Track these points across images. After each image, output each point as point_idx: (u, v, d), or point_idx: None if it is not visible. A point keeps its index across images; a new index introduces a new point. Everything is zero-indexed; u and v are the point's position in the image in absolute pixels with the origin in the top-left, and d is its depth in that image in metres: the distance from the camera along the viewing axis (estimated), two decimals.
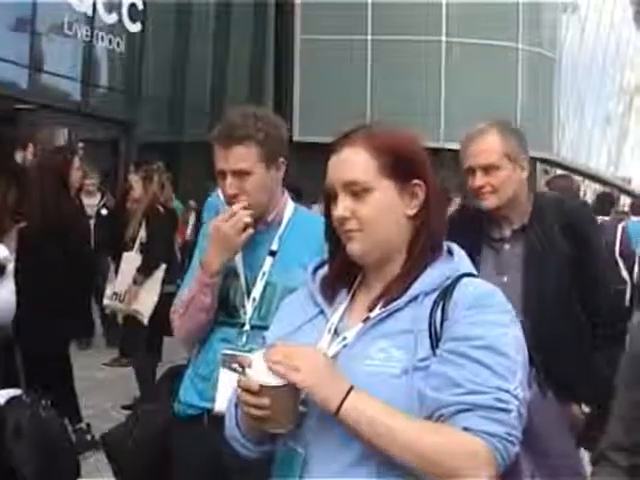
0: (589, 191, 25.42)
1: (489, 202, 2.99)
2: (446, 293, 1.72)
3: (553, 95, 23.43)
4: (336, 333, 1.77)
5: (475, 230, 3.03)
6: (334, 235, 1.85)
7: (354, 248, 1.77)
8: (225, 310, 2.77)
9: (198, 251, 2.88)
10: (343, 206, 1.76)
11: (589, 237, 3.08)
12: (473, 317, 1.67)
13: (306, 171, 13.37)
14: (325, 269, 1.92)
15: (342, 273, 1.87)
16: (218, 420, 2.49)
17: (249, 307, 2.73)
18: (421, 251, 1.79)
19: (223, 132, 2.67)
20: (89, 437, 5.44)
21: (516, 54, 21.73)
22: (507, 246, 3.04)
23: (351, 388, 1.63)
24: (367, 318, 1.76)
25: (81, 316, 5.34)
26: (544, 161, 22.40)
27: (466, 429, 1.58)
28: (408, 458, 1.59)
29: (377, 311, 1.76)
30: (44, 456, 2.66)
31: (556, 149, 23.99)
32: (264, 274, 2.74)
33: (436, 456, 1.58)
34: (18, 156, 6.33)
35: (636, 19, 32.89)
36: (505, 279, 2.93)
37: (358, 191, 1.76)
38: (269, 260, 2.76)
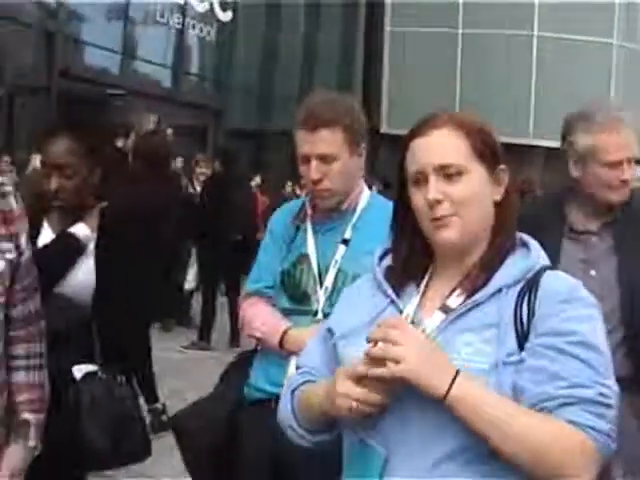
0: None
1: (624, 196, 2.91)
2: (531, 286, 1.68)
3: None
4: (414, 325, 1.72)
5: (555, 222, 2.96)
6: (404, 222, 1.81)
7: (449, 234, 1.72)
8: (296, 298, 2.77)
9: (263, 248, 2.92)
10: (436, 189, 1.71)
11: None
12: (566, 312, 1.64)
13: (394, 163, 13.22)
14: (390, 258, 1.87)
15: (410, 262, 1.82)
16: None
17: (321, 295, 2.72)
18: (503, 240, 1.76)
19: (309, 116, 2.66)
20: (164, 418, 5.53)
21: (610, 50, 21.22)
22: (594, 239, 2.95)
23: (457, 373, 1.59)
24: (446, 308, 1.71)
25: (160, 297, 5.43)
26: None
27: (572, 422, 1.55)
28: (514, 447, 1.55)
29: (458, 300, 1.71)
30: (115, 432, 2.70)
31: None
32: (336, 262, 2.73)
33: (545, 447, 1.55)
34: (120, 142, 6.47)
35: None
36: (593, 272, 2.86)
37: (452, 174, 1.71)
38: (342, 248, 2.75)
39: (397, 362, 1.57)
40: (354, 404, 1.62)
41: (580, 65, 20.35)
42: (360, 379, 1.62)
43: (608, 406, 1.58)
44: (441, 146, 1.73)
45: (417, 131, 1.77)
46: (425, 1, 20.26)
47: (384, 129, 19.37)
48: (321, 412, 1.74)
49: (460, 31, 21.09)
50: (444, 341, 1.66)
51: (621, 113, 2.92)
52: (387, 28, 21.63)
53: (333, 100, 2.74)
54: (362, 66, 21.45)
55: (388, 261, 1.87)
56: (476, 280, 1.72)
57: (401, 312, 1.76)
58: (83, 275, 2.88)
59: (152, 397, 5.62)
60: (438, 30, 20.78)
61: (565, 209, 2.98)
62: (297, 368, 1.93)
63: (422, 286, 1.80)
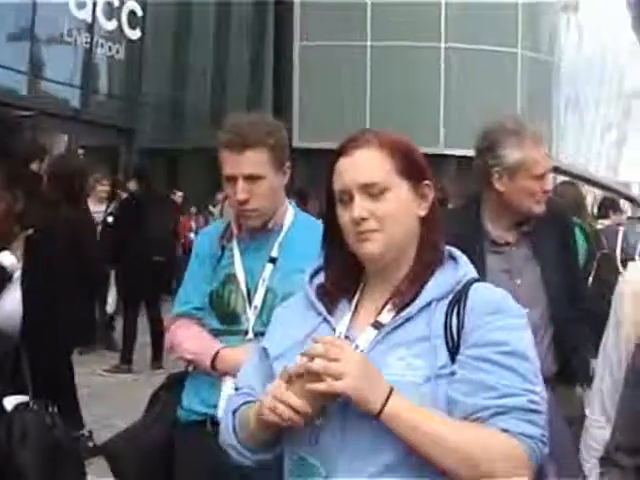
0: (589, 196, 25.40)
1: (542, 208, 3.04)
2: (460, 298, 1.73)
3: (552, 100, 23.43)
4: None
5: (477, 237, 3.04)
6: (334, 240, 1.84)
7: (372, 247, 1.76)
8: (225, 318, 2.78)
9: (189, 270, 2.91)
10: (361, 207, 1.75)
11: (571, 238, 3.26)
12: (494, 323, 1.69)
13: (306, 176, 13.43)
14: (321, 276, 1.89)
15: (341, 279, 1.85)
16: None
17: (251, 314, 2.74)
18: (430, 254, 1.80)
19: (235, 137, 2.68)
20: (91, 444, 5.44)
21: (515, 59, 21.74)
22: (514, 249, 3.06)
23: (391, 390, 1.62)
24: (377, 323, 1.75)
25: (85, 323, 5.35)
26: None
27: (504, 430, 1.60)
28: (453, 461, 1.60)
29: (388, 318, 1.75)
30: (49, 463, 2.65)
31: (555, 154, 23.99)
32: (264, 281, 2.75)
33: (478, 457, 1.59)
34: (34, 166, 6.34)
35: (634, 25, 32.92)
36: (518, 281, 2.96)
37: (376, 192, 1.76)
38: (269, 267, 2.77)
39: (337, 378, 1.59)
40: (280, 407, 1.63)
41: (487, 75, 20.77)
42: (294, 389, 1.64)
43: (538, 412, 1.63)
44: (365, 165, 1.77)
45: (341, 151, 1.81)
46: (334, 14, 20.43)
47: (295, 143, 19.41)
48: (259, 426, 1.74)
49: (369, 43, 21.32)
50: (377, 356, 1.69)
51: (536, 126, 3.07)
52: (296, 42, 21.72)
53: (257, 121, 2.77)
54: (272, 81, 21.50)
55: (319, 279, 1.89)
56: (405, 295, 1.76)
57: (334, 330, 1.79)
58: (10, 305, 2.82)
59: (77, 424, 5.52)
60: (347, 43, 20.97)
61: (484, 223, 3.08)
62: (236, 389, 1.94)
63: (354, 303, 1.83)
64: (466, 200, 3.35)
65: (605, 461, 1.96)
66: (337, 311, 1.83)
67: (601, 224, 8.18)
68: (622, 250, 7.98)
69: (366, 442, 1.65)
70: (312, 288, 1.88)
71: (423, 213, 1.81)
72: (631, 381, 1.97)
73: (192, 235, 12.78)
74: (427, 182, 1.82)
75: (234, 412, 1.85)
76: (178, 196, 13.37)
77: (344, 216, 1.78)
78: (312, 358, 1.63)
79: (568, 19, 25.47)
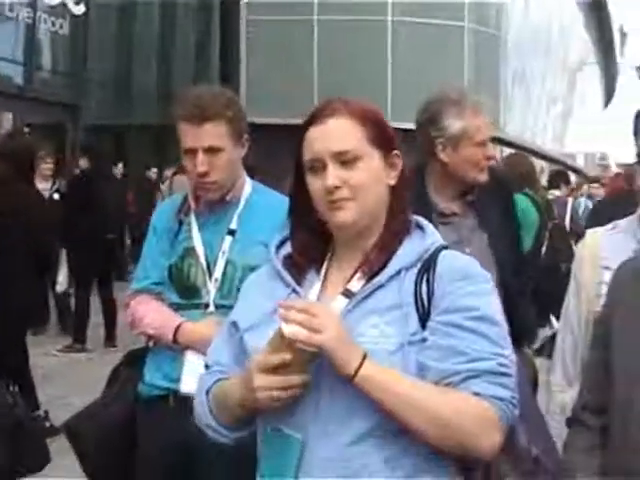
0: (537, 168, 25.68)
1: (486, 176, 3.10)
2: (429, 266, 1.74)
3: (499, 73, 23.58)
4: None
5: (426, 210, 3.07)
6: (301, 210, 1.84)
7: (345, 216, 1.76)
8: (185, 292, 2.77)
9: (147, 245, 2.90)
10: (334, 175, 1.74)
11: (513, 207, 3.40)
12: (463, 289, 1.71)
13: (254, 149, 13.26)
14: (287, 247, 1.89)
15: (309, 249, 1.85)
16: (184, 401, 2.51)
17: (212, 287, 2.73)
18: (399, 223, 1.81)
19: (194, 110, 2.66)
20: (48, 424, 5.39)
21: (462, 32, 21.82)
22: (461, 219, 3.11)
23: (365, 355, 1.63)
24: (347, 292, 1.76)
25: (37, 303, 5.28)
26: (491, 138, 22.56)
27: (475, 394, 1.63)
28: (423, 422, 1.62)
29: (358, 287, 1.75)
30: (14, 444, 2.63)
31: (502, 127, 24.20)
32: (224, 253, 2.74)
33: (452, 419, 1.62)
34: None
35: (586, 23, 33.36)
36: (468, 250, 2.98)
37: (349, 160, 1.75)
38: (228, 239, 2.76)
39: (318, 332, 1.60)
40: (275, 393, 1.64)
41: (434, 48, 20.84)
42: (273, 369, 1.64)
43: (507, 375, 1.66)
44: (337, 133, 1.76)
45: (312, 120, 1.79)
46: None
47: None
48: (242, 408, 1.74)
49: (316, 17, 21.23)
50: (350, 324, 1.70)
51: (479, 96, 3.12)
52: (243, 17, 21.55)
53: (214, 93, 2.76)
54: (219, 55, 21.30)
55: (286, 250, 1.89)
56: (375, 263, 1.77)
57: (305, 300, 1.78)
58: None
59: (33, 404, 5.46)
60: (294, 17, 20.86)
61: (430, 195, 3.11)
62: (206, 367, 1.92)
63: (322, 272, 1.83)
64: (410, 173, 3.39)
65: (572, 421, 1.99)
66: (305, 281, 1.83)
67: (552, 194, 8.32)
68: (571, 219, 8.14)
69: (341, 409, 1.66)
70: (279, 259, 1.87)
71: (393, 182, 1.81)
72: (593, 343, 2.00)
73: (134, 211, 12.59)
74: (396, 152, 1.83)
75: (207, 392, 1.84)
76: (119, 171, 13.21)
77: (315, 184, 1.77)
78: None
79: None
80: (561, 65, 33.43)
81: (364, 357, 1.63)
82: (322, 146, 1.76)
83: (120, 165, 13.84)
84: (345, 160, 1.75)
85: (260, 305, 1.82)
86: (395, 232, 1.80)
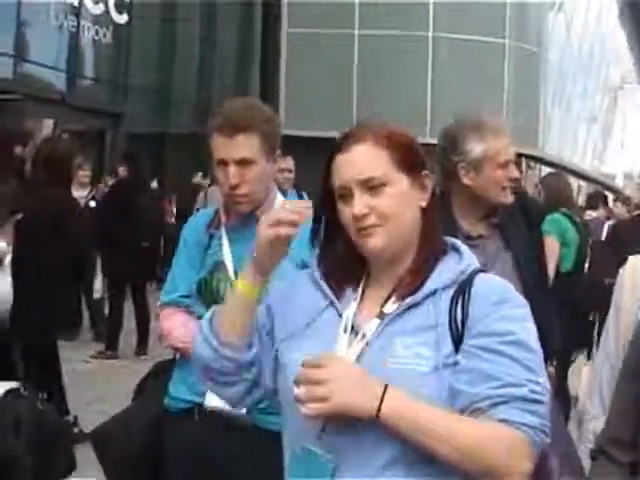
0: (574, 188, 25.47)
1: (510, 197, 3.10)
2: (465, 288, 1.74)
3: (539, 91, 23.47)
4: (353, 330, 1.75)
5: (453, 234, 3.08)
6: (335, 233, 1.83)
7: (375, 242, 1.75)
8: (214, 305, 2.77)
9: (177, 258, 2.90)
10: (362, 203, 1.75)
11: (539, 228, 3.43)
12: (499, 313, 1.70)
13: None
14: (326, 260, 1.87)
15: (346, 268, 1.85)
16: (209, 415, 2.52)
17: None
18: (432, 244, 1.81)
19: (227, 121, 2.68)
20: (76, 430, 5.44)
21: (503, 50, 21.75)
22: (488, 241, 3.11)
23: (385, 390, 1.63)
24: (382, 313, 1.75)
25: (71, 308, 5.33)
26: (529, 157, 22.44)
27: (504, 421, 1.61)
28: (451, 453, 1.61)
29: (393, 306, 1.75)
30: (42, 449, 2.66)
31: (541, 145, 24.06)
32: None
33: (479, 449, 1.61)
34: (18, 150, 6.31)
35: (620, 17, 33.08)
36: (492, 272, 2.98)
37: (375, 186, 1.75)
38: None
39: (323, 401, 1.62)
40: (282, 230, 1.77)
41: (474, 64, 20.78)
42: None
43: (539, 402, 1.65)
44: (362, 161, 1.77)
45: (338, 147, 1.80)
46: (322, 1, 20.37)
47: (282, 131, 19.38)
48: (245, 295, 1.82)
49: (357, 32, 21.28)
50: (383, 345, 1.70)
51: (499, 118, 3.15)
52: (284, 29, 21.66)
53: (248, 106, 2.78)
54: (259, 67, 21.43)
55: (325, 263, 1.88)
56: (409, 287, 1.76)
57: (340, 316, 1.79)
58: (0, 289, 2.82)
59: (63, 409, 5.51)
60: (335, 31, 20.92)
61: (456, 219, 3.12)
62: None
63: (359, 291, 1.83)
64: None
65: (597, 453, 1.96)
66: (344, 297, 1.83)
67: (589, 215, 8.25)
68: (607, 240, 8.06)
69: (376, 432, 1.65)
70: (319, 271, 1.87)
71: (424, 204, 1.81)
72: (625, 374, 1.97)
73: (172, 220, 12.70)
74: (426, 172, 1.82)
75: (211, 318, 1.88)
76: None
77: (345, 211, 1.78)
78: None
79: (556, 9, 25.48)
80: (602, 84, 33.18)
81: (383, 397, 1.62)
82: (348, 174, 1.77)
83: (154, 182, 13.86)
84: (372, 187, 1.76)
85: (295, 315, 1.83)
86: (429, 255, 1.80)
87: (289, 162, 6.67)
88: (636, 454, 1.83)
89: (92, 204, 9.08)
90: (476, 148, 3.05)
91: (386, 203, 1.76)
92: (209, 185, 11.83)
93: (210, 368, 1.86)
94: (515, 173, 3.12)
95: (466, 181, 3.08)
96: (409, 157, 1.80)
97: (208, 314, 1.91)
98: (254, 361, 1.84)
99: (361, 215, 1.74)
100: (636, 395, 1.84)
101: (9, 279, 2.84)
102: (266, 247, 1.80)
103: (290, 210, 1.78)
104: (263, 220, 1.81)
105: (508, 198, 3.10)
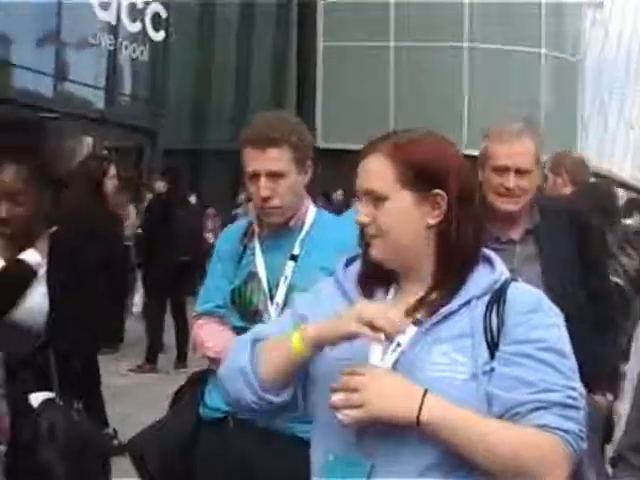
0: None
1: (513, 205, 3.03)
2: (499, 297, 1.75)
3: (577, 99, 23.30)
4: (387, 339, 1.73)
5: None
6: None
7: (373, 253, 1.79)
8: (247, 316, 2.79)
9: (211, 269, 2.94)
10: (364, 212, 1.79)
11: (590, 240, 3.24)
12: (534, 321, 1.71)
13: (330, 176, 13.44)
14: (356, 266, 1.89)
15: (376, 274, 1.85)
16: (243, 424, 2.53)
17: (273, 311, 2.75)
18: (451, 258, 1.79)
19: (258, 134, 2.71)
20: (116, 442, 5.48)
21: (539, 59, 21.64)
22: (518, 247, 3.06)
23: (424, 395, 1.64)
24: (417, 321, 1.75)
25: (112, 321, 5.39)
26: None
27: (543, 426, 1.62)
28: (490, 459, 1.62)
29: (428, 314, 1.75)
30: (75, 460, 2.68)
31: (579, 153, 23.86)
32: (286, 278, 2.76)
33: (517, 456, 1.62)
34: (59, 167, 6.41)
35: None
36: (519, 280, 2.95)
37: (378, 199, 1.77)
38: (290, 264, 2.78)
39: (359, 408, 1.63)
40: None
41: (510, 75, 20.70)
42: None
43: (576, 408, 1.65)
44: (369, 172, 1.80)
45: (360, 154, 1.84)
46: (357, 14, 20.44)
47: (319, 144, 19.45)
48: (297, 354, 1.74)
49: (392, 44, 21.31)
50: (419, 353, 1.71)
51: (522, 127, 3.06)
52: (320, 43, 21.76)
53: (279, 118, 2.81)
54: (296, 82, 21.52)
55: (351, 271, 1.89)
56: (436, 297, 1.77)
57: None
58: (36, 302, 2.86)
59: (101, 422, 5.57)
60: (370, 44, 20.97)
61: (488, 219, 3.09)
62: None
63: (389, 299, 1.84)
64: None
65: (617, 460, 1.95)
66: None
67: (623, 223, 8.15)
68: None
69: (410, 440, 1.66)
70: (347, 277, 1.88)
71: (433, 222, 1.78)
72: None
73: (209, 235, 12.76)
74: (437, 191, 1.77)
75: (256, 341, 1.83)
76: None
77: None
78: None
79: (593, 17, 25.30)
80: None
81: (422, 403, 1.63)
82: (358, 182, 1.82)
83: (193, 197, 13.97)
84: (374, 199, 1.78)
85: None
86: (448, 268, 1.79)
87: None
88: None
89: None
90: (482, 144, 3.09)
91: (384, 217, 1.78)
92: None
93: (251, 409, 1.83)
94: (510, 184, 2.99)
95: (480, 177, 3.08)
96: (418, 175, 1.77)
97: (247, 355, 1.81)
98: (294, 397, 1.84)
99: (361, 223, 1.79)
100: None
101: (44, 290, 2.88)
102: (344, 337, 1.70)
103: (390, 323, 1.65)
104: (357, 309, 1.69)
105: (506, 206, 3.03)
